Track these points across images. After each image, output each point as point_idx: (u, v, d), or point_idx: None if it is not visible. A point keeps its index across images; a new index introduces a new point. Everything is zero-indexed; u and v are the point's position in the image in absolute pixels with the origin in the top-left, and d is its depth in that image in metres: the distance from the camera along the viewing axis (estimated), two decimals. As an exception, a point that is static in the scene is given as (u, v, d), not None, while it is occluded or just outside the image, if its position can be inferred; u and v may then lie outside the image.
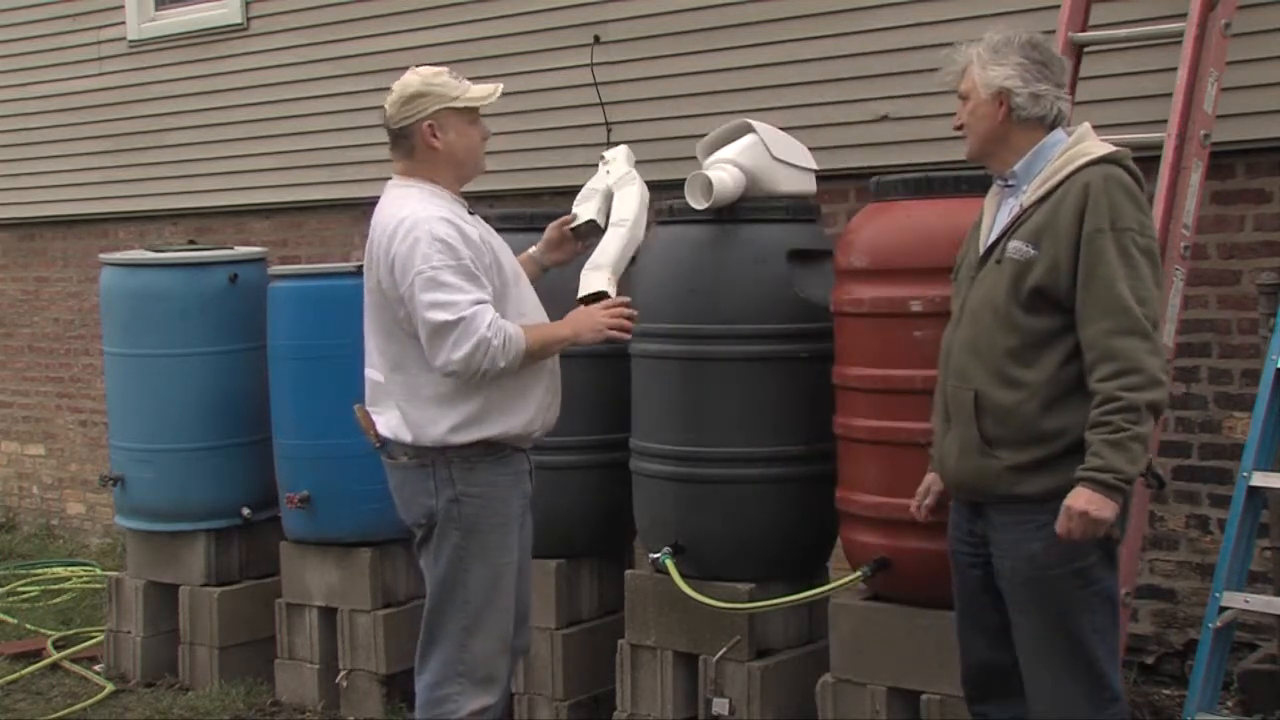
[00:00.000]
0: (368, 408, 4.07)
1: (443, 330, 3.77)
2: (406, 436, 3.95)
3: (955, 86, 3.61)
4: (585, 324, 4.03)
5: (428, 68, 4.05)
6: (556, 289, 4.37)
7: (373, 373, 4.06)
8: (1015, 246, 3.42)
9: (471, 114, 4.00)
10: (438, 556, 3.98)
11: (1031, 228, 3.42)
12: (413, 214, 3.86)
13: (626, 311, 4.08)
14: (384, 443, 4.02)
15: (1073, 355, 3.37)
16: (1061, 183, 3.41)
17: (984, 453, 3.43)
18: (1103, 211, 3.32)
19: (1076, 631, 3.41)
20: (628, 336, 4.12)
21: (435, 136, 3.95)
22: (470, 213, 4.04)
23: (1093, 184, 3.36)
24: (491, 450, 3.95)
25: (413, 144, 3.97)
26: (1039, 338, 3.38)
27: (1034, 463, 3.39)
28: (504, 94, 4.10)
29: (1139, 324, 3.28)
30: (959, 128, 3.62)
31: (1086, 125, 3.55)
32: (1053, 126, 3.52)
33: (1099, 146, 3.46)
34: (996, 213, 3.59)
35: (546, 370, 4.07)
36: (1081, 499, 3.26)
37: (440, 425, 3.91)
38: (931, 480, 3.75)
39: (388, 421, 3.99)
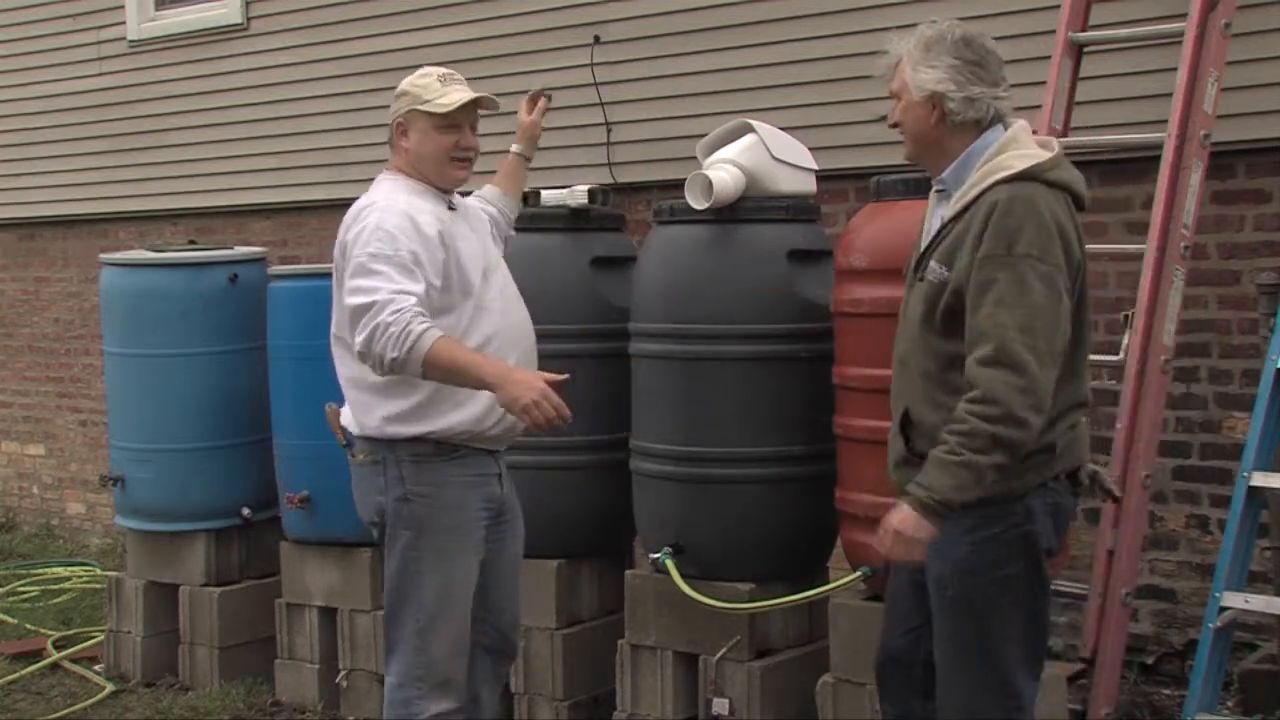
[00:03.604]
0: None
1: (355, 314, 3.68)
2: (354, 428, 3.93)
3: (887, 84, 3.45)
4: (519, 385, 3.60)
5: (429, 68, 4.03)
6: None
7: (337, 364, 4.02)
8: (933, 267, 3.33)
9: (442, 119, 3.89)
10: (390, 556, 3.94)
11: (946, 248, 3.31)
12: (372, 203, 3.84)
13: (563, 413, 3.61)
14: (349, 441, 4.01)
15: None
16: (974, 201, 3.27)
17: (914, 465, 3.34)
18: (1000, 236, 3.17)
19: (989, 637, 3.34)
20: (540, 430, 3.65)
21: (405, 136, 3.95)
22: (450, 208, 3.97)
23: (999, 204, 3.19)
24: (443, 450, 3.86)
25: (391, 139, 4.00)
26: (954, 360, 3.27)
27: None
28: (504, 94, 4.08)
29: (1012, 357, 3.11)
30: (894, 125, 3.46)
31: (1018, 126, 3.35)
32: (990, 126, 3.34)
33: (1020, 159, 3.26)
34: (932, 219, 3.49)
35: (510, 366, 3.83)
36: (896, 517, 3.19)
37: (375, 414, 3.85)
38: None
39: (345, 413, 3.99)
